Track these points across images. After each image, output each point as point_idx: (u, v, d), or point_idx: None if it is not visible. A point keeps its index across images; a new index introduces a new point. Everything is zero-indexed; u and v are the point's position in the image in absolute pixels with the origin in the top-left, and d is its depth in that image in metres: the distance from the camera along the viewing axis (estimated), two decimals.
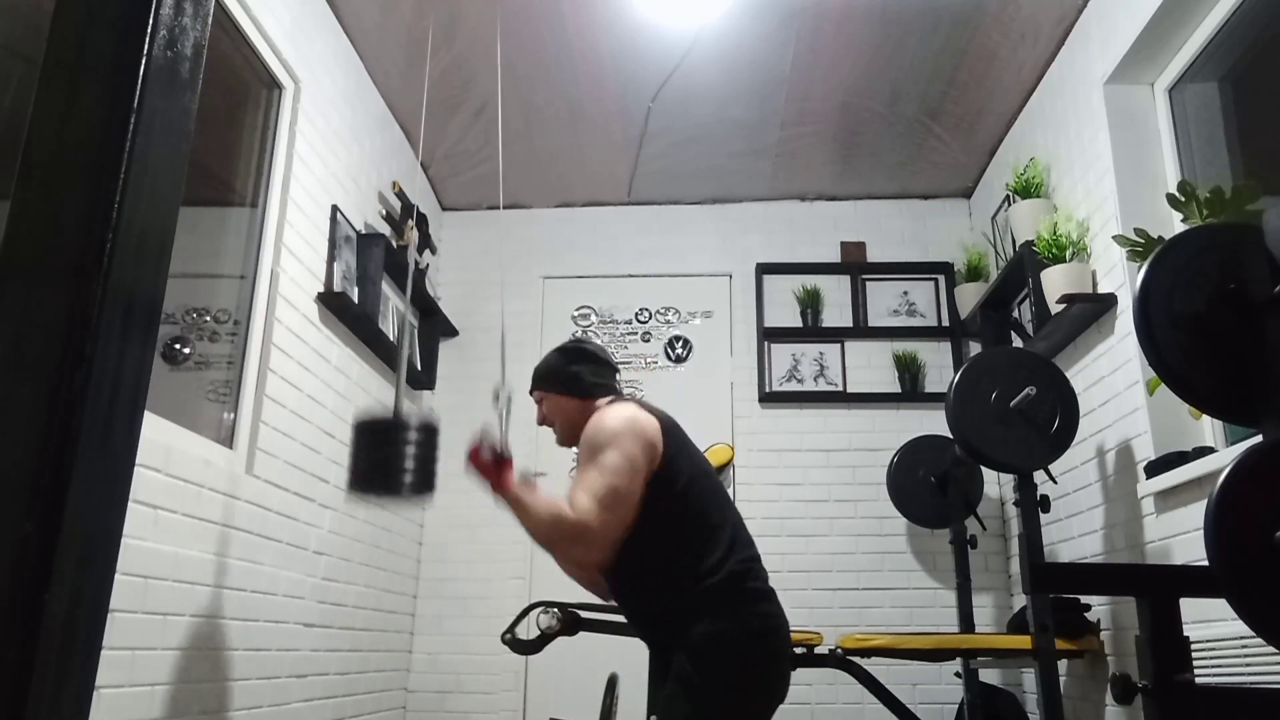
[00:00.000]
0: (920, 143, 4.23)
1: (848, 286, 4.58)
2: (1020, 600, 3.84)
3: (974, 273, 4.26)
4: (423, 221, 4.24)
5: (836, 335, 4.50)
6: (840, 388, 4.42)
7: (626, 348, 4.62)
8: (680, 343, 4.63)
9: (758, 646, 1.93)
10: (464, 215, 4.83)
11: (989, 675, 3.81)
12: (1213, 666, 2.26)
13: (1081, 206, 3.31)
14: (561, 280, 4.73)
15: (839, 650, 2.92)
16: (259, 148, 3.05)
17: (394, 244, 3.83)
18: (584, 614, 2.81)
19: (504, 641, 2.87)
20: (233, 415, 2.80)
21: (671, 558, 1.97)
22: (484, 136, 4.19)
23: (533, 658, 3.74)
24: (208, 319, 2.83)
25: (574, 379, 2.21)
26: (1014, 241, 3.73)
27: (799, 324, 4.52)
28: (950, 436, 3.07)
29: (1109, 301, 3.05)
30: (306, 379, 3.15)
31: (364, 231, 3.63)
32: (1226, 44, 2.77)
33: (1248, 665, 2.16)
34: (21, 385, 0.64)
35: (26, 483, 0.62)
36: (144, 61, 0.71)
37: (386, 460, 2.28)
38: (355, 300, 3.44)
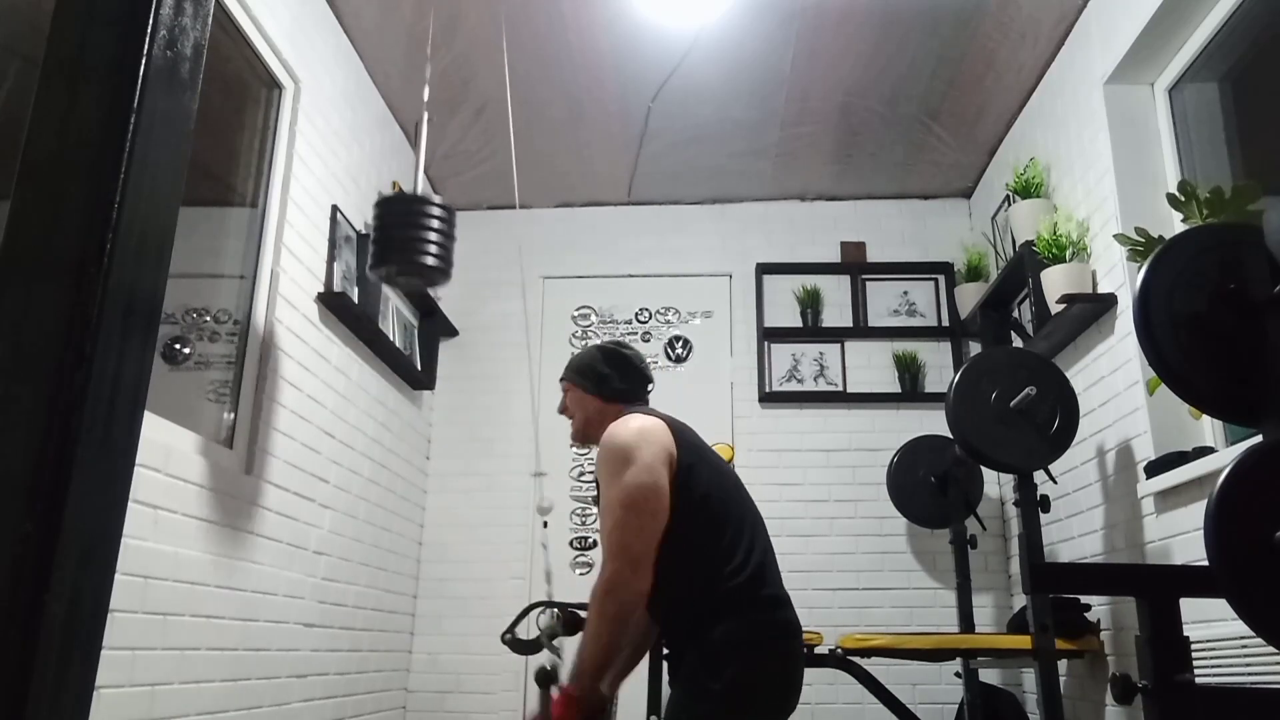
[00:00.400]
0: (920, 143, 4.23)
1: (848, 286, 4.59)
2: (1020, 600, 3.84)
3: (974, 273, 4.26)
4: None
5: (836, 335, 4.50)
6: (840, 388, 4.42)
7: None
8: (680, 343, 4.63)
9: (772, 653, 1.92)
10: (464, 215, 4.79)
11: (989, 675, 3.81)
12: (1213, 666, 2.26)
13: (1081, 206, 3.31)
14: (561, 280, 4.73)
15: (839, 650, 2.92)
16: (259, 148, 3.05)
17: None
18: (584, 614, 2.80)
19: (504, 641, 2.87)
20: (233, 415, 2.80)
21: (693, 563, 1.94)
22: (484, 136, 4.19)
23: (533, 658, 3.74)
24: (208, 319, 2.83)
25: (602, 379, 2.20)
26: (1014, 241, 3.73)
27: (799, 324, 4.52)
28: (950, 436, 3.06)
29: (1109, 301, 3.05)
30: (306, 379, 3.15)
31: (364, 232, 3.63)
32: (1226, 44, 2.76)
33: (1248, 665, 2.16)
34: (21, 385, 0.64)
35: (26, 483, 0.62)
36: (144, 61, 0.71)
37: (408, 238, 2.49)
38: (355, 300, 3.44)
